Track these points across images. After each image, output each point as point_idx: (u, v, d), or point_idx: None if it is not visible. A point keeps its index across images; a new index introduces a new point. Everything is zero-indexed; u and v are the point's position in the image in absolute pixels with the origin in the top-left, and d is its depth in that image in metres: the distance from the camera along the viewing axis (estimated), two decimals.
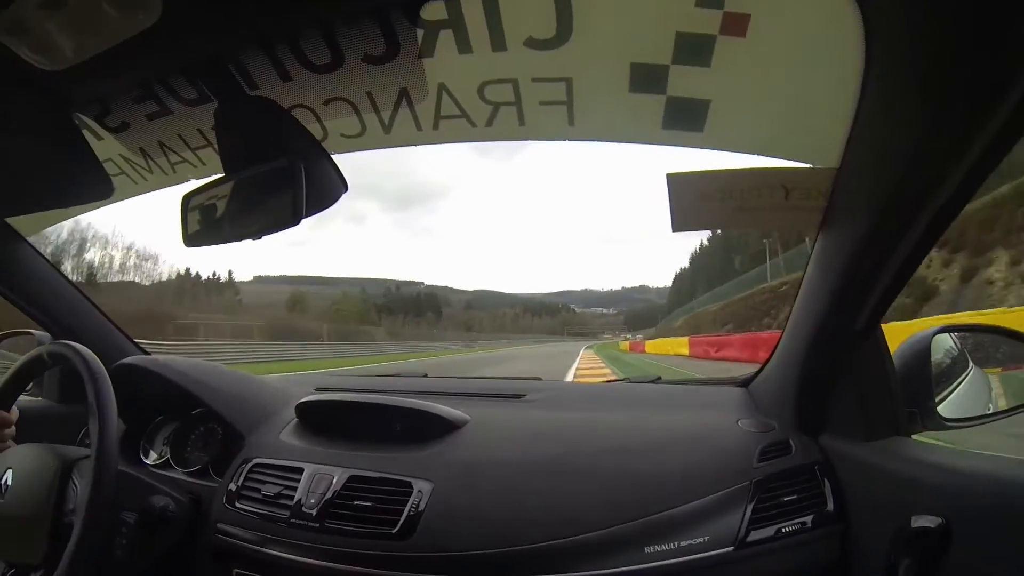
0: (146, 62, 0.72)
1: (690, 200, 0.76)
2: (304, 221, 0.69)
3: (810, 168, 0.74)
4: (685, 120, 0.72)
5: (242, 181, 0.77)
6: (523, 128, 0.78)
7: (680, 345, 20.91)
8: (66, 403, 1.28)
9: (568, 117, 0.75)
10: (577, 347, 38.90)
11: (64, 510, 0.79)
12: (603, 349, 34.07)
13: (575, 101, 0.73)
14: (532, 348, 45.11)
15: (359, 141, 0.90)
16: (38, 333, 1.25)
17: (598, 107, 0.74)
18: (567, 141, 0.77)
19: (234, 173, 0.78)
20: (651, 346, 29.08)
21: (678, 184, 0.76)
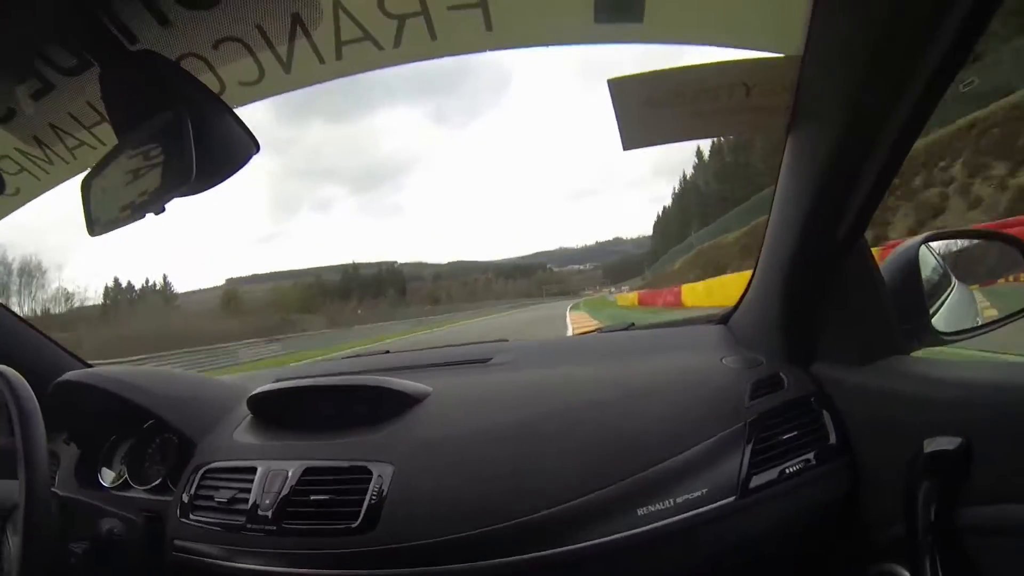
0: (15, 34, 0.65)
1: (638, 108, 0.66)
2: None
3: (771, 58, 0.65)
4: (620, 9, 0.61)
5: (133, 149, 0.67)
6: (436, 43, 0.66)
7: None
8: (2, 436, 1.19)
9: (484, 22, 0.63)
10: (558, 309, 31.10)
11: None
12: (596, 308, 27.32)
13: (490, 1, 0.62)
14: (504, 317, 36.39)
15: (260, 88, 0.78)
16: None
17: (517, 5, 0.63)
18: (487, 52, 0.66)
19: (123, 141, 0.69)
20: (698, 294, 16.15)
21: (623, 90, 0.66)
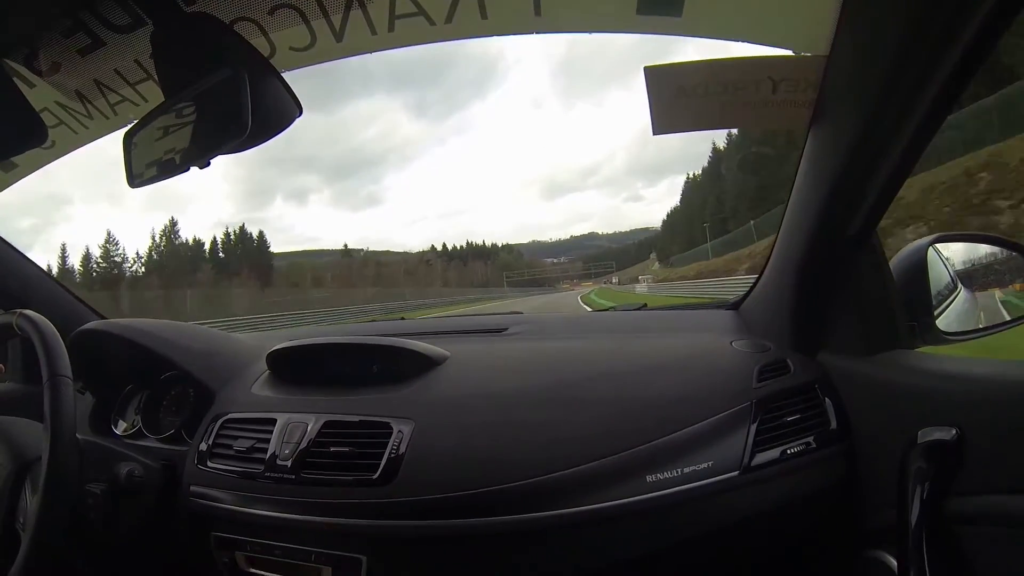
0: None
1: (671, 96, 0.70)
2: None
3: (798, 56, 0.69)
4: (661, 2, 0.65)
5: (184, 104, 0.70)
6: (486, 22, 0.71)
7: None
8: (31, 383, 1.20)
9: (534, 5, 0.68)
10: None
11: (15, 517, 0.72)
12: None
13: None
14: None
15: (309, 54, 0.82)
16: None
17: None
18: (534, 34, 0.70)
19: (174, 97, 0.71)
20: None
21: (657, 78, 0.70)
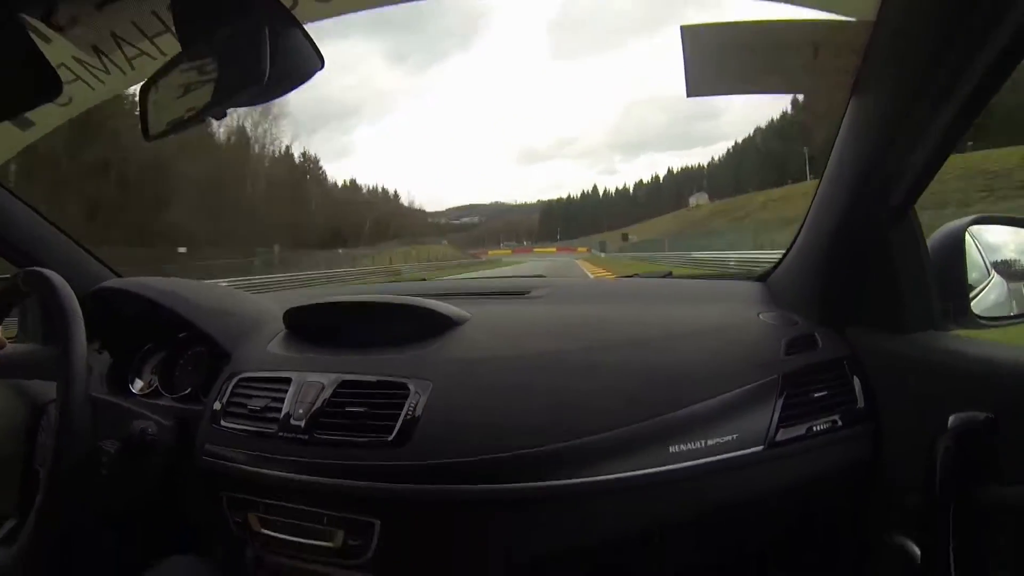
0: None
1: (708, 58, 0.68)
2: None
3: (842, 20, 0.66)
4: None
5: (201, 54, 0.69)
6: None
7: None
8: (49, 344, 1.20)
9: None
10: None
11: (35, 458, 0.73)
12: None
13: None
14: None
15: (333, 5, 0.80)
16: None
17: None
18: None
19: (191, 48, 0.70)
20: None
21: (694, 39, 0.68)
